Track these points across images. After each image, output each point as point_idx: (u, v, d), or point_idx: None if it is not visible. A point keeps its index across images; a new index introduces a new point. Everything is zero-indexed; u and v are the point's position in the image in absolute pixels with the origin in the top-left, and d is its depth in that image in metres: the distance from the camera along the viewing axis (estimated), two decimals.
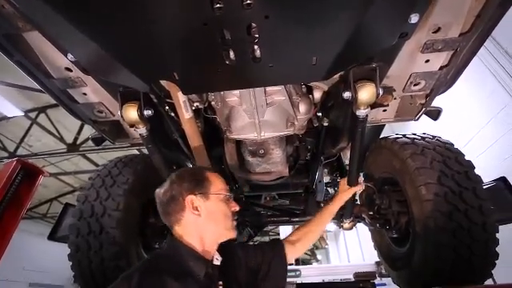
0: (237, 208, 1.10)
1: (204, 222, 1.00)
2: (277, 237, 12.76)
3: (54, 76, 1.22)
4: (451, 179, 1.42)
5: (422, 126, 2.05)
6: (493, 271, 1.40)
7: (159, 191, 1.05)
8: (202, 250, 1.00)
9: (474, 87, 3.71)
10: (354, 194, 1.64)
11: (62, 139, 7.92)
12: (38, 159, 7.90)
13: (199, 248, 0.99)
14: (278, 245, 1.29)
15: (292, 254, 1.29)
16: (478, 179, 1.46)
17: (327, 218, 1.47)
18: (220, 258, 1.04)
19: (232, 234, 1.07)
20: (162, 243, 1.81)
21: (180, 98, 1.18)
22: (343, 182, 1.56)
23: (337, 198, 1.53)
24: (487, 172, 2.08)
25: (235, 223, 1.09)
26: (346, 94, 1.09)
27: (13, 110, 6.58)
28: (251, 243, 2.28)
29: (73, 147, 7.92)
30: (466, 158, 1.55)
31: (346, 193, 1.53)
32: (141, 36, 0.83)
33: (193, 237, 0.99)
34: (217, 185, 1.06)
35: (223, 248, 1.07)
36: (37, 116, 7.53)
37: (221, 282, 0.98)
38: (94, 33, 0.82)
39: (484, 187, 1.48)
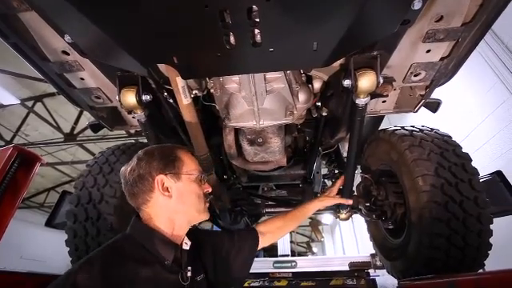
0: (209, 189, 1.04)
1: (175, 204, 0.93)
2: None
3: (51, 59, 1.20)
4: (448, 171, 1.43)
5: (420, 120, 2.05)
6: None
7: (125, 169, 0.96)
8: (171, 234, 0.93)
9: (474, 82, 3.71)
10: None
11: (59, 128, 7.88)
12: (35, 148, 7.85)
13: (168, 232, 0.92)
14: (251, 235, 1.26)
15: (260, 244, 1.28)
16: (475, 171, 1.48)
17: (303, 217, 1.46)
18: (189, 243, 0.99)
19: (204, 216, 1.01)
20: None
21: (179, 83, 1.16)
22: (334, 188, 1.60)
23: (317, 200, 1.54)
24: (484, 166, 2.10)
25: (207, 205, 1.03)
26: (346, 82, 1.09)
27: (9, 98, 6.51)
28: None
29: (70, 137, 7.89)
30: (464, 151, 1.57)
31: (330, 199, 1.56)
32: (140, 17, 0.81)
33: (162, 219, 0.92)
34: (189, 165, 0.99)
35: (191, 233, 1.02)
36: (33, 105, 7.47)
37: (189, 268, 0.94)
38: (91, 13, 0.80)
39: (480, 180, 1.50)
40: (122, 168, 0.98)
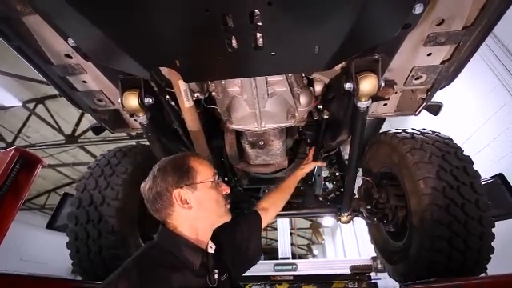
0: (228, 190, 1.06)
1: (196, 213, 0.96)
2: (274, 231, 12.85)
3: (54, 62, 1.20)
4: (449, 174, 1.43)
5: (421, 123, 2.05)
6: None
7: (144, 187, 1.01)
8: (196, 239, 0.97)
9: (475, 84, 3.71)
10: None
11: (60, 130, 7.90)
12: (36, 150, 7.86)
13: (193, 238, 0.96)
14: (254, 219, 1.32)
15: (266, 219, 1.38)
16: (476, 174, 1.48)
17: (293, 185, 1.63)
18: (214, 246, 1.02)
19: (226, 219, 1.05)
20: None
21: (181, 86, 1.17)
22: (307, 159, 1.79)
23: (299, 169, 1.71)
24: (486, 169, 2.10)
25: (228, 206, 1.06)
26: (348, 85, 1.09)
27: (11, 100, 6.53)
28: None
29: (71, 139, 7.90)
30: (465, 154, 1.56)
31: (307, 166, 1.73)
32: (142, 21, 0.82)
33: (186, 228, 0.96)
34: (203, 172, 1.00)
35: (214, 236, 1.05)
36: (35, 107, 7.49)
37: (216, 270, 0.97)
38: (95, 17, 0.81)
39: (482, 183, 1.50)
40: (142, 185, 1.02)
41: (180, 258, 0.92)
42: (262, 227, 1.34)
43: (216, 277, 0.96)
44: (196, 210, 0.96)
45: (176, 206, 0.95)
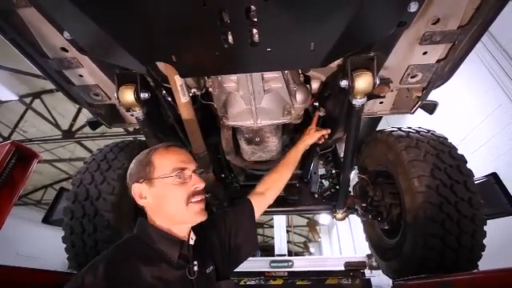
0: (199, 184, 0.95)
1: (157, 208, 0.93)
2: (270, 229, 12.91)
3: (50, 56, 1.20)
4: (443, 172, 1.45)
5: (418, 122, 2.06)
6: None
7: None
8: (174, 232, 0.94)
9: (471, 84, 3.73)
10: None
11: (57, 125, 7.85)
12: (33, 145, 7.81)
13: (170, 230, 0.94)
14: (245, 208, 1.23)
15: (263, 203, 1.30)
16: (470, 173, 1.49)
17: (294, 162, 1.45)
18: (194, 238, 0.99)
19: (195, 219, 0.95)
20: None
21: (177, 81, 1.17)
22: (310, 128, 1.57)
23: (300, 141, 1.51)
24: (481, 169, 2.12)
25: (199, 205, 0.95)
26: (343, 83, 1.10)
27: (7, 94, 6.48)
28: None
29: (68, 134, 7.85)
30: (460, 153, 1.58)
31: (311, 137, 1.53)
32: (139, 15, 0.81)
33: (159, 221, 0.94)
34: (161, 167, 0.92)
35: (198, 226, 1.00)
36: (32, 101, 7.44)
37: (196, 262, 0.93)
38: (90, 11, 0.81)
39: (475, 182, 1.51)
40: None
41: (157, 250, 0.90)
42: (260, 212, 1.28)
43: (196, 269, 0.92)
44: (156, 206, 0.94)
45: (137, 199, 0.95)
